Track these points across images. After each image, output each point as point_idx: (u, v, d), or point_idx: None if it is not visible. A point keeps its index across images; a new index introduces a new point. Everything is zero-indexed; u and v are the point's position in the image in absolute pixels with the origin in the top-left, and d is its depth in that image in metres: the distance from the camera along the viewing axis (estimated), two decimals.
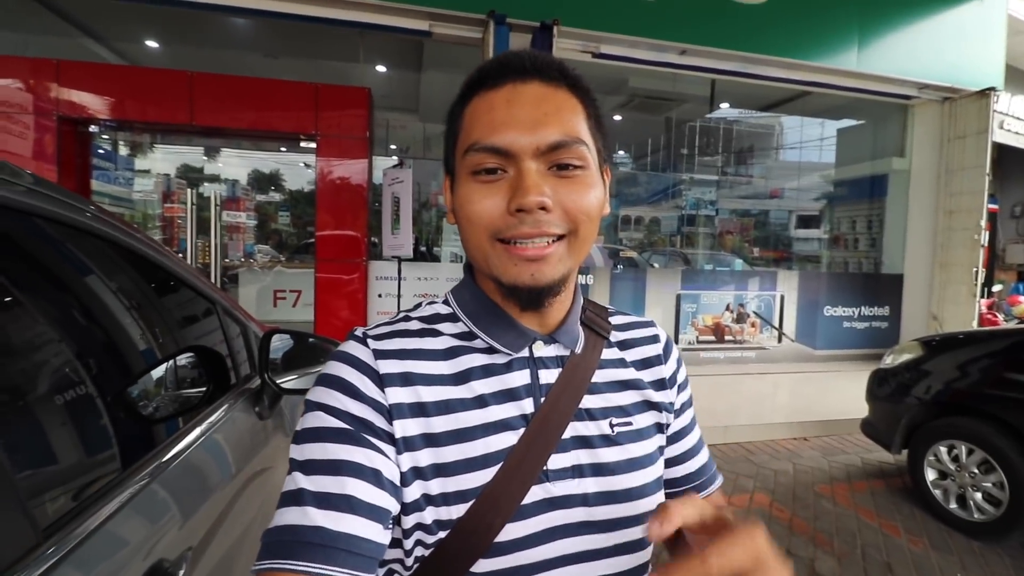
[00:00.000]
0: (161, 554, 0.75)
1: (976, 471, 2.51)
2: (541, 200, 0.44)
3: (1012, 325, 5.24)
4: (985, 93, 5.31)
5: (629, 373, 0.58)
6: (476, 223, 0.47)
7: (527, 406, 0.51)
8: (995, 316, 6.26)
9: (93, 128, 4.50)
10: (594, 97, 0.52)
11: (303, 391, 1.25)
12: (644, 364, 0.60)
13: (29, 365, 0.72)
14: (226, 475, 1.05)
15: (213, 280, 4.67)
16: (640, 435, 0.55)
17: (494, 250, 0.47)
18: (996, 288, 7.30)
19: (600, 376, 0.56)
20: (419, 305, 0.57)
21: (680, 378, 0.62)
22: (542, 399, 0.51)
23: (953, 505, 2.61)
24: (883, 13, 5.03)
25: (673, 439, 0.61)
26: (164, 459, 0.88)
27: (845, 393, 4.13)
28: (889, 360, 3.11)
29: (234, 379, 1.22)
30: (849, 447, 3.72)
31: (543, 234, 0.46)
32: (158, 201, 6.02)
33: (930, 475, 2.73)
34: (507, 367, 0.52)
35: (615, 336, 0.60)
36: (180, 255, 4.80)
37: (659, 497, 0.55)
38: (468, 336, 0.53)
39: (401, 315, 0.56)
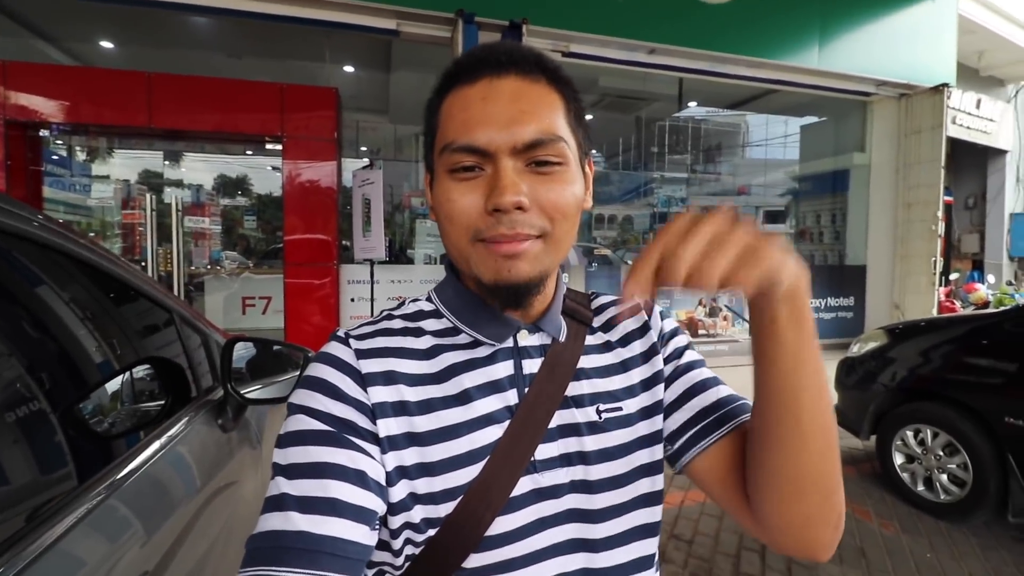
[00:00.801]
0: None
1: (941, 453, 2.60)
2: (517, 200, 0.44)
3: (969, 311, 5.47)
4: (939, 89, 5.52)
5: (616, 355, 0.57)
6: (455, 222, 0.46)
7: (511, 397, 0.50)
8: (953, 303, 6.52)
9: (44, 132, 4.30)
10: (575, 89, 0.51)
11: (269, 401, 1.21)
12: (628, 339, 0.58)
13: None
14: (188, 491, 0.99)
15: (176, 289, 4.52)
16: (630, 419, 0.54)
17: (474, 249, 0.46)
18: (953, 277, 7.60)
19: (586, 362, 0.55)
20: (402, 303, 0.56)
21: (668, 329, 0.60)
22: (526, 389, 0.51)
23: (921, 487, 2.70)
24: (843, 13, 5.19)
25: (671, 379, 0.57)
26: (119, 476, 0.83)
27: None
28: (855, 349, 3.19)
29: (195, 391, 1.16)
30: None
31: (518, 236, 0.45)
32: (117, 208, 5.79)
33: (898, 459, 2.82)
34: (490, 359, 0.51)
35: (598, 320, 0.59)
36: (142, 264, 4.63)
37: (651, 482, 0.54)
38: (451, 332, 0.52)
39: (384, 314, 0.55)
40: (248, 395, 1.17)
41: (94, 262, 0.98)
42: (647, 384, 0.56)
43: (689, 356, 0.59)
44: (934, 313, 5.41)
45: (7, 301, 0.82)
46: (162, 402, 1.01)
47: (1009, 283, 7.75)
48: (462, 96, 0.47)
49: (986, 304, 6.40)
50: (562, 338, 0.54)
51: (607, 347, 0.57)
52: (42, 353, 0.87)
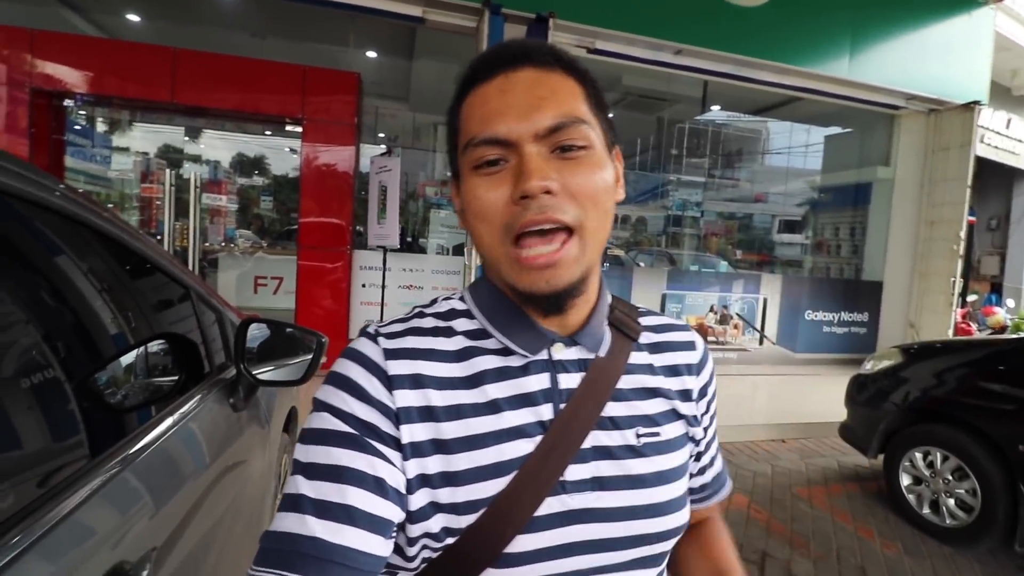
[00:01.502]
0: (124, 554, 0.71)
1: (950, 478, 2.55)
2: (544, 184, 0.43)
3: (986, 335, 5.37)
4: (970, 107, 5.40)
5: (657, 380, 0.54)
6: (484, 218, 0.45)
7: (545, 412, 0.48)
8: (969, 326, 6.41)
9: (68, 102, 4.33)
10: (593, 78, 0.50)
11: (280, 383, 1.21)
12: (672, 371, 0.56)
13: None
14: (198, 468, 1.00)
15: (191, 265, 4.55)
16: (669, 446, 0.52)
17: (507, 257, 0.45)
18: (971, 298, 7.47)
19: (626, 382, 0.52)
20: (435, 300, 0.55)
21: (710, 392, 0.59)
22: (562, 405, 0.48)
23: (926, 510, 2.66)
24: (875, 23, 5.08)
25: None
26: (132, 450, 0.84)
27: (823, 396, 4.18)
28: (869, 366, 3.15)
29: (208, 368, 1.16)
30: (826, 450, 3.77)
31: (549, 220, 0.43)
32: (136, 181, 5.84)
33: (905, 480, 2.78)
34: (523, 370, 0.49)
35: (645, 338, 0.57)
36: (158, 237, 4.67)
37: (686, 513, 0.52)
38: (483, 335, 0.50)
39: (416, 311, 0.53)
40: (260, 376, 1.17)
41: (114, 234, 0.98)
42: (686, 419, 0.55)
43: (713, 427, 0.61)
44: (950, 334, 5.32)
45: (27, 269, 0.83)
46: (175, 378, 1.01)
47: None
48: (480, 93, 0.47)
49: (1004, 328, 6.28)
50: (603, 351, 0.52)
51: (650, 369, 0.55)
52: (59, 322, 0.87)
